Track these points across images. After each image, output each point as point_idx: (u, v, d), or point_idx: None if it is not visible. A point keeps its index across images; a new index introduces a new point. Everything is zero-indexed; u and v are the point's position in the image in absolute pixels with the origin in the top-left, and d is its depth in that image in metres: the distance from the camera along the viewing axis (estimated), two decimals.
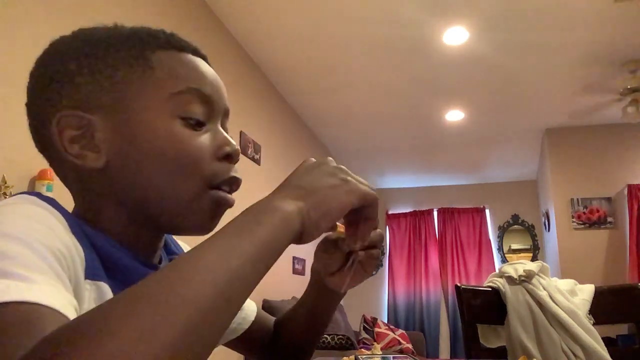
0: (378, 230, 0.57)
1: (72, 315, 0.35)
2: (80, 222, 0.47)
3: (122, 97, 0.49)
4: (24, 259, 0.35)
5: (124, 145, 0.49)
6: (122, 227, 0.51)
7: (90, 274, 0.44)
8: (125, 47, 0.51)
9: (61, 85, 0.50)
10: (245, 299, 0.37)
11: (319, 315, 0.73)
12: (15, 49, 1.67)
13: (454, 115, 4.75)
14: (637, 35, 3.36)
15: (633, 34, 3.35)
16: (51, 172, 1.66)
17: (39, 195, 0.45)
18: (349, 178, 0.48)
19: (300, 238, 0.44)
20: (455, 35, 3.35)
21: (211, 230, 0.51)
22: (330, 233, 0.61)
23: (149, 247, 0.54)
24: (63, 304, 0.34)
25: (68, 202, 0.51)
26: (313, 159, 0.50)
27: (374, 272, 0.63)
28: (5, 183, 1.57)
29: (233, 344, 0.77)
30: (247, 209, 0.42)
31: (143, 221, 0.51)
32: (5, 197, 1.55)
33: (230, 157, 0.53)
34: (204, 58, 0.57)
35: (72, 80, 0.49)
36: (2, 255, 0.35)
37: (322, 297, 0.70)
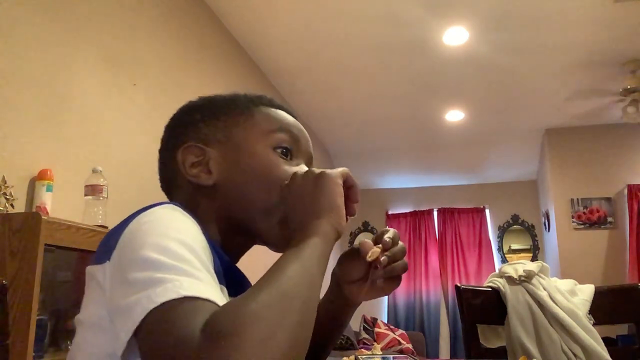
0: (404, 259, 0.68)
1: None
2: None
3: (230, 134, 0.66)
4: (194, 263, 0.46)
5: (230, 168, 0.65)
6: (219, 236, 0.64)
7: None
8: (235, 103, 0.70)
9: (187, 128, 0.68)
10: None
11: (334, 319, 0.75)
12: (15, 50, 1.67)
13: (454, 115, 4.75)
14: (637, 35, 3.36)
15: (633, 34, 3.34)
16: (51, 173, 1.66)
17: (181, 205, 0.57)
18: (329, 178, 0.59)
19: (339, 237, 0.58)
20: (455, 35, 3.34)
21: (280, 245, 0.63)
22: (363, 243, 0.66)
23: (238, 253, 0.68)
24: (222, 301, 0.44)
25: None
26: (300, 174, 0.61)
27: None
28: (5, 183, 1.56)
29: None
30: (304, 235, 0.55)
31: (238, 229, 0.65)
32: (6, 197, 1.55)
33: None
34: (295, 117, 0.73)
35: (196, 125, 0.67)
36: (181, 258, 0.46)
37: (338, 302, 0.73)
